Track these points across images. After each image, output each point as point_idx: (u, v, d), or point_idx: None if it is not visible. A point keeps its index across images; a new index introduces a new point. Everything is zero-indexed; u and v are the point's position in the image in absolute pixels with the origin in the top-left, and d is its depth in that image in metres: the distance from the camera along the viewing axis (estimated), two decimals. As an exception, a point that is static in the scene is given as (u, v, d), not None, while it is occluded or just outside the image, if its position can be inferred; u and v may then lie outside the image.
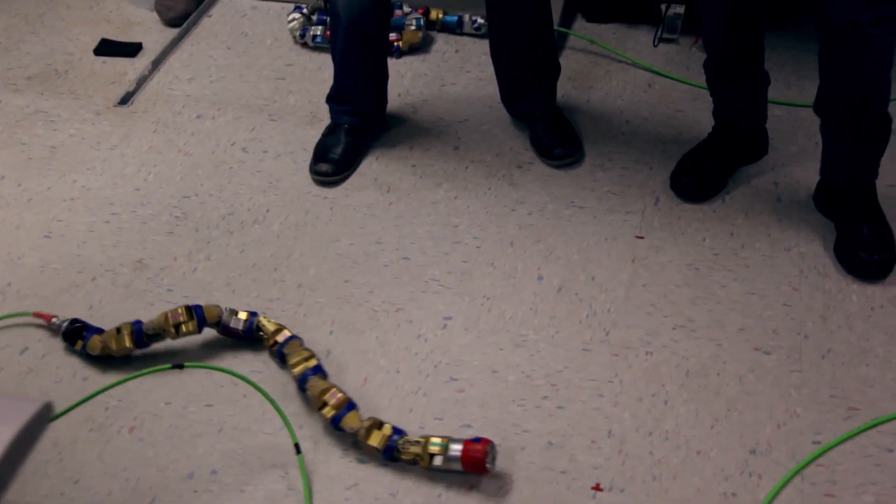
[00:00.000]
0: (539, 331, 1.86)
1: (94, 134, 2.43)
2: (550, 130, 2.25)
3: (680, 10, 2.58)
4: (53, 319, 1.88)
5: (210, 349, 1.85)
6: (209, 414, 1.75)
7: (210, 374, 1.81)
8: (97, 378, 1.81)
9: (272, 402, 1.65)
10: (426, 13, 2.68)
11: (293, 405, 1.74)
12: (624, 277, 1.96)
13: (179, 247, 2.09)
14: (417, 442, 1.61)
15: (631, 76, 2.52)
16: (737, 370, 1.77)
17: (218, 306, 1.83)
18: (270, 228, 2.12)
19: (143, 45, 2.75)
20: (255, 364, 1.82)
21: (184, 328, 1.79)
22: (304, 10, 2.71)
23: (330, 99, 2.29)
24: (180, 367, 1.64)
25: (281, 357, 1.79)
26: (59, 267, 2.05)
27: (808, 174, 2.16)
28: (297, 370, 1.73)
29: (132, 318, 1.91)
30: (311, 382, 1.70)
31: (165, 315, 1.80)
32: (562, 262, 2.00)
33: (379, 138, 2.34)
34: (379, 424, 1.64)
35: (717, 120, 2.16)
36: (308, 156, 2.28)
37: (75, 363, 1.84)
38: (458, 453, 1.57)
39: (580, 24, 2.72)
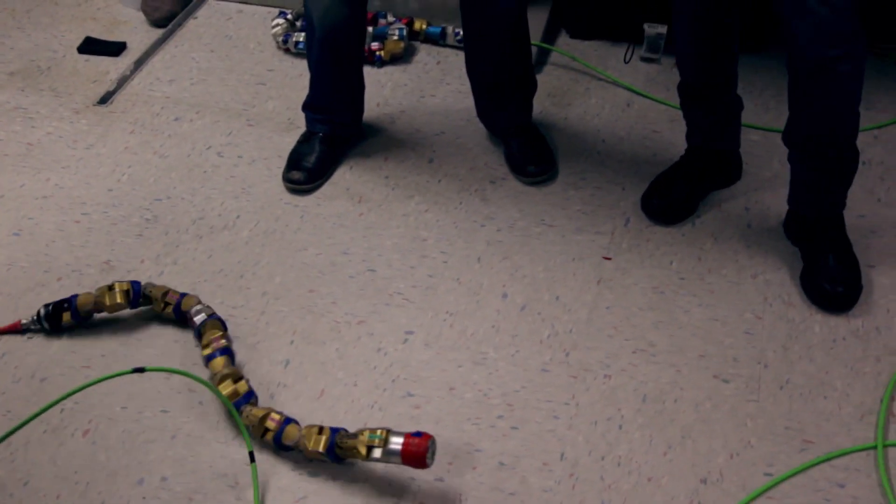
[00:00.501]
0: (499, 349, 1.86)
1: (72, 132, 2.43)
2: (524, 147, 2.25)
3: (662, 29, 2.58)
4: (22, 321, 1.89)
5: (172, 353, 1.85)
6: (164, 420, 1.74)
7: (169, 380, 1.81)
8: (56, 381, 1.81)
9: (231, 408, 1.65)
10: (410, 23, 2.68)
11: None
12: (588, 298, 1.96)
13: (148, 249, 2.09)
14: (355, 435, 1.60)
15: (610, 94, 2.52)
16: (694, 397, 1.77)
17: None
18: (240, 234, 2.12)
19: (128, 45, 2.76)
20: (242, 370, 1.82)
21: (169, 309, 1.87)
22: (289, 16, 2.71)
23: (305, 107, 2.29)
24: (141, 370, 1.64)
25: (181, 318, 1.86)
26: (27, 265, 2.05)
27: (780, 200, 2.15)
28: (227, 392, 1.71)
29: (99, 321, 1.92)
30: (246, 412, 1.68)
31: (166, 290, 1.88)
32: (527, 281, 2.00)
33: (354, 147, 2.34)
34: (319, 430, 1.64)
35: (689, 143, 2.16)
36: (283, 163, 2.28)
37: (33, 363, 1.84)
38: (399, 447, 1.55)
39: (563, 40, 2.72)
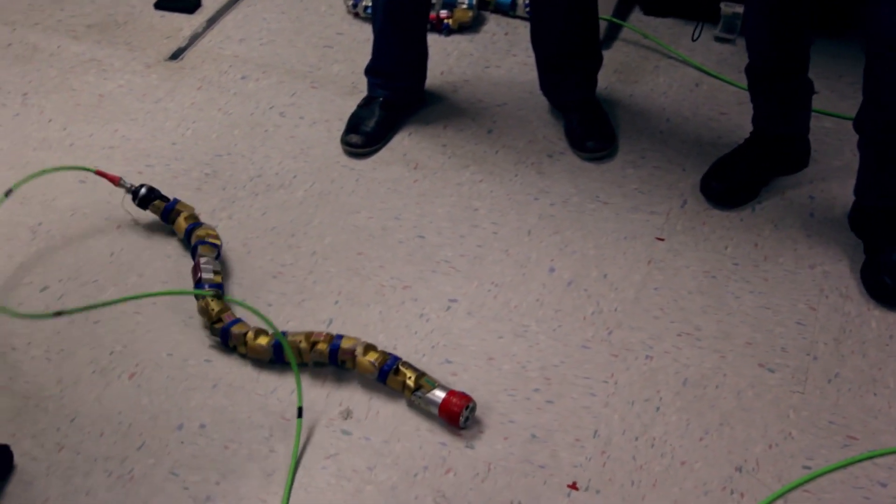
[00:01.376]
0: (541, 323, 1.85)
1: (142, 86, 2.48)
2: (585, 122, 2.22)
3: (739, 9, 2.50)
4: (121, 179, 2.01)
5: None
6: (207, 369, 1.78)
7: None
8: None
9: (293, 360, 1.68)
10: (481, -7, 2.67)
11: (290, 372, 1.76)
12: (637, 278, 1.93)
13: (205, 203, 2.12)
14: (415, 372, 1.68)
15: (679, 74, 2.46)
16: (736, 384, 1.73)
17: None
18: (295, 194, 2.14)
19: (203, 2, 2.80)
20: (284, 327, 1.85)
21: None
22: (361, -20, 2.71)
23: (367, 71, 2.29)
24: (221, 296, 1.74)
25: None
26: (89, 212, 2.11)
27: (847, 191, 2.08)
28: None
29: (148, 269, 1.97)
30: (290, 337, 1.75)
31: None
32: (576, 257, 1.98)
33: (415, 114, 2.34)
34: (375, 347, 1.72)
35: (755, 126, 2.10)
36: (343, 126, 2.29)
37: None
38: (439, 399, 1.64)
39: (636, 17, 2.66)
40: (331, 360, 1.74)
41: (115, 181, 2.01)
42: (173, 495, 1.58)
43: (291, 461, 1.61)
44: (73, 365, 1.78)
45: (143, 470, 1.62)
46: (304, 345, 1.73)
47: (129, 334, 1.84)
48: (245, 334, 1.77)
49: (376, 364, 1.70)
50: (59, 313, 1.72)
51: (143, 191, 2.01)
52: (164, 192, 2.14)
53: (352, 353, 1.72)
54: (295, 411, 1.69)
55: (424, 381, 1.68)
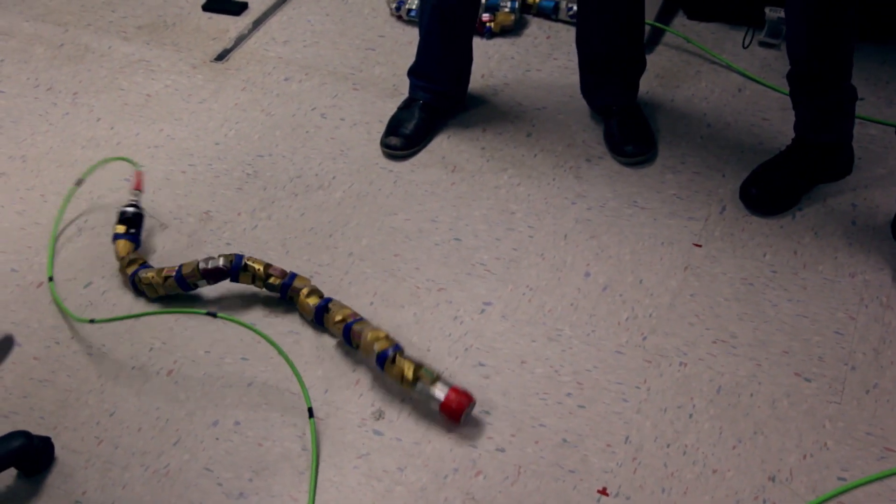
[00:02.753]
0: (575, 327, 1.85)
1: (188, 86, 2.52)
2: (624, 126, 2.21)
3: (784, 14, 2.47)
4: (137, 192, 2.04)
5: (247, 306, 1.91)
6: (243, 367, 1.81)
7: (250, 331, 1.87)
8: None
9: (290, 363, 1.70)
10: (524, -4, 2.67)
11: (321, 369, 1.79)
12: (673, 284, 1.92)
13: (245, 203, 2.16)
14: (410, 363, 1.68)
15: (722, 79, 2.44)
16: (772, 393, 1.71)
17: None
18: (333, 195, 2.17)
19: (249, 5, 2.84)
20: (293, 326, 1.87)
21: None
22: (404, -16, 2.73)
23: (410, 72, 2.31)
24: (213, 315, 1.71)
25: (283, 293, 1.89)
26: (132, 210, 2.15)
27: (890, 199, 2.06)
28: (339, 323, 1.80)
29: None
30: (357, 327, 1.77)
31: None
32: (612, 262, 1.97)
33: (454, 117, 2.35)
34: (386, 336, 1.74)
35: (796, 133, 2.07)
36: (383, 128, 2.31)
37: (129, 300, 1.94)
38: (441, 396, 1.65)
39: (679, 21, 2.65)
40: (345, 337, 1.78)
41: (138, 186, 2.04)
42: (207, 491, 1.61)
43: (312, 461, 1.63)
44: (114, 360, 1.82)
45: (179, 465, 1.65)
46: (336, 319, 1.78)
47: (167, 331, 1.87)
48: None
49: (378, 351, 1.72)
50: (92, 321, 1.77)
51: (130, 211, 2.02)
52: (205, 191, 2.18)
53: (358, 335, 1.75)
54: (327, 411, 1.71)
55: (423, 372, 1.68)
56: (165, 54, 2.65)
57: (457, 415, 1.65)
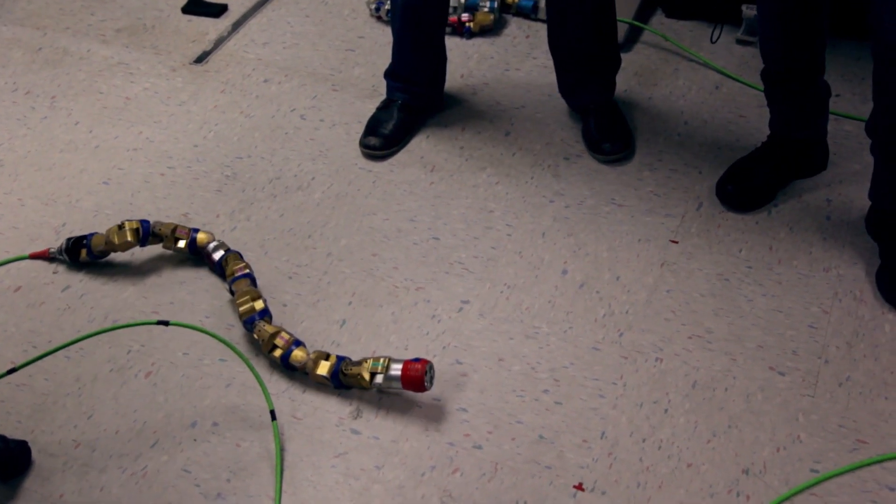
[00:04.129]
0: (553, 324, 1.86)
1: (167, 89, 2.53)
2: (602, 125, 2.22)
3: (761, 11, 2.49)
4: (51, 250, 2.02)
5: (207, 308, 1.92)
6: (221, 368, 1.81)
7: (230, 331, 1.87)
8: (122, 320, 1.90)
9: (250, 366, 1.68)
10: (502, -4, 2.68)
11: (294, 373, 1.79)
12: (649, 281, 1.93)
13: (224, 205, 2.16)
14: (359, 363, 1.70)
15: (699, 76, 2.46)
16: (746, 387, 1.72)
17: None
18: (312, 196, 2.17)
19: (229, 7, 2.84)
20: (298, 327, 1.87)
21: (180, 244, 1.97)
22: (383, -15, 2.74)
23: (387, 74, 2.32)
24: (166, 323, 1.68)
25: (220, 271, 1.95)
26: (111, 213, 2.15)
27: (864, 194, 2.05)
28: (244, 309, 1.82)
29: (170, 268, 2.01)
30: (259, 326, 1.79)
31: (174, 226, 1.96)
32: (589, 259, 1.98)
33: (433, 117, 2.35)
34: (326, 356, 1.73)
35: (771, 130, 2.09)
36: (362, 128, 2.32)
37: (108, 304, 1.94)
38: (399, 372, 1.67)
39: (658, 19, 2.66)
40: (283, 364, 1.77)
41: (45, 254, 2.03)
42: (185, 492, 1.61)
43: (276, 464, 1.63)
44: (92, 363, 1.83)
45: (156, 467, 1.65)
46: (265, 343, 1.78)
47: (146, 333, 1.88)
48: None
49: (327, 375, 1.72)
50: (12, 370, 1.65)
51: (64, 243, 2.01)
52: (184, 193, 2.19)
53: (303, 367, 1.74)
54: (305, 411, 1.72)
55: (371, 366, 1.69)
56: (145, 57, 2.65)
57: (419, 381, 1.65)
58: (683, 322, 1.84)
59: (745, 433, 1.65)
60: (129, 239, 1.95)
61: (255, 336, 1.79)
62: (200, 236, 1.97)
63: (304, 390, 1.76)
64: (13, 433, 1.68)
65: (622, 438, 1.66)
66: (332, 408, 1.73)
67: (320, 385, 1.76)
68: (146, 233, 1.97)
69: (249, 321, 1.81)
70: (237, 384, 1.78)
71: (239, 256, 1.96)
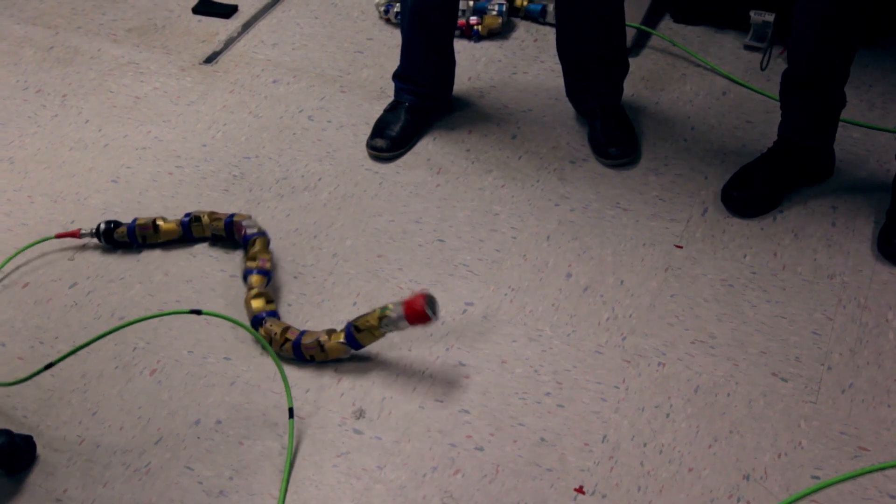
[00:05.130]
0: (556, 328, 1.86)
1: (176, 89, 2.54)
2: (608, 129, 2.23)
3: (769, 17, 2.49)
4: (81, 230, 2.05)
5: (237, 303, 1.93)
6: (226, 366, 1.82)
7: (235, 329, 1.88)
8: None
9: (277, 362, 1.71)
10: (511, 0, 2.68)
11: (303, 368, 1.80)
12: (653, 285, 1.93)
13: (231, 205, 2.17)
14: (364, 316, 1.75)
15: (707, 82, 2.46)
16: (748, 393, 1.73)
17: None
18: (319, 197, 2.18)
19: (239, 8, 2.85)
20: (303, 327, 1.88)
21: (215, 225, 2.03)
22: (393, -13, 2.75)
23: (395, 76, 2.33)
24: (198, 312, 1.71)
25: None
26: (119, 211, 2.17)
27: (871, 201, 2.07)
28: (256, 306, 1.86)
29: (177, 266, 2.02)
30: (267, 323, 1.83)
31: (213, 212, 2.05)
32: (594, 263, 1.99)
33: (440, 119, 2.36)
34: (334, 331, 1.80)
35: (780, 135, 2.09)
36: (369, 130, 2.33)
37: (114, 301, 1.95)
38: (402, 309, 1.70)
39: (666, 24, 2.66)
40: (296, 354, 1.81)
41: (76, 234, 2.06)
42: (187, 489, 1.62)
43: (286, 461, 1.64)
44: (98, 360, 1.84)
45: (160, 463, 1.66)
46: (276, 339, 1.80)
47: (152, 331, 1.89)
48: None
49: (344, 341, 1.77)
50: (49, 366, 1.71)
51: (102, 226, 2.05)
52: (192, 192, 2.20)
53: (319, 344, 1.78)
54: (309, 410, 1.73)
55: (379, 311, 1.73)
56: (155, 57, 2.66)
57: (422, 314, 1.68)
58: (687, 327, 1.85)
59: (747, 439, 1.65)
60: (174, 227, 2.04)
61: (263, 333, 1.80)
62: (238, 216, 2.03)
63: (307, 390, 1.77)
64: (19, 428, 1.69)
65: (623, 442, 1.66)
66: (336, 408, 1.74)
67: (324, 385, 1.77)
68: (187, 221, 2.04)
69: (257, 318, 1.82)
70: (241, 382, 1.79)
71: (267, 244, 1.98)
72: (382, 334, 1.75)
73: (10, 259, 2.03)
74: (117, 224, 2.04)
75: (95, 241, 2.06)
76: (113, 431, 1.72)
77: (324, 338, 1.77)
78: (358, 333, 1.75)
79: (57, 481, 1.64)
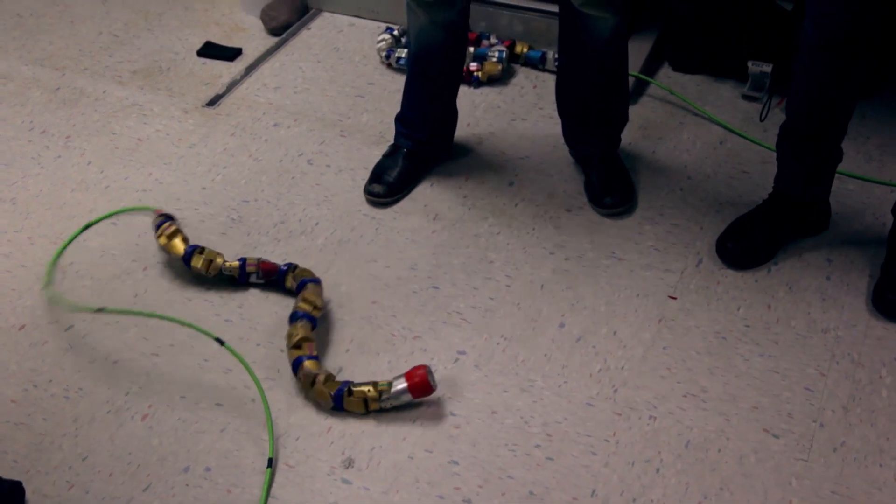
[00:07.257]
0: (547, 378, 1.86)
1: (178, 131, 2.57)
2: (604, 178, 2.24)
3: (767, 68, 2.51)
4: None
5: (205, 353, 1.93)
6: (217, 413, 1.83)
7: (227, 375, 1.89)
8: (127, 365, 1.92)
9: (267, 410, 1.71)
10: (511, 46, 2.71)
11: (294, 416, 1.80)
12: (646, 336, 1.93)
13: (228, 248, 2.18)
14: (364, 383, 1.79)
15: (704, 131, 2.47)
16: (739, 449, 1.72)
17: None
18: (315, 241, 2.20)
19: (243, 51, 2.89)
20: (268, 372, 1.89)
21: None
22: (395, 32, 2.78)
23: (397, 119, 2.34)
24: (221, 342, 1.82)
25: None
26: (117, 253, 2.18)
27: (866, 255, 2.07)
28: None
29: (172, 311, 2.03)
30: (304, 369, 1.84)
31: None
32: (587, 313, 1.99)
33: (438, 165, 2.38)
34: (333, 377, 1.83)
35: (776, 186, 2.09)
36: (367, 174, 2.34)
37: (109, 346, 1.96)
38: (404, 383, 1.76)
39: (665, 73, 2.68)
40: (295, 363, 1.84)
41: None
42: (174, 537, 1.62)
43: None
44: (90, 404, 1.84)
45: (147, 510, 1.66)
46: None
47: (144, 376, 1.89)
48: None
49: (331, 393, 1.78)
50: (100, 310, 1.96)
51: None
52: (190, 235, 2.21)
53: (312, 378, 1.80)
54: (298, 459, 1.73)
55: (380, 386, 1.77)
56: (158, 99, 2.69)
57: (425, 386, 1.75)
58: (679, 380, 1.84)
59: (737, 496, 1.64)
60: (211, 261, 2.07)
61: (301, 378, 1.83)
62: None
63: (297, 437, 1.77)
64: (10, 473, 1.69)
65: (612, 497, 1.65)
66: (325, 456, 1.74)
67: (314, 433, 1.77)
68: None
69: (297, 362, 1.85)
70: (231, 430, 1.79)
71: (318, 289, 2.00)
72: (378, 407, 1.78)
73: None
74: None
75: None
76: (102, 477, 1.72)
77: (322, 377, 1.79)
78: (348, 397, 1.77)
79: (44, 528, 1.64)
